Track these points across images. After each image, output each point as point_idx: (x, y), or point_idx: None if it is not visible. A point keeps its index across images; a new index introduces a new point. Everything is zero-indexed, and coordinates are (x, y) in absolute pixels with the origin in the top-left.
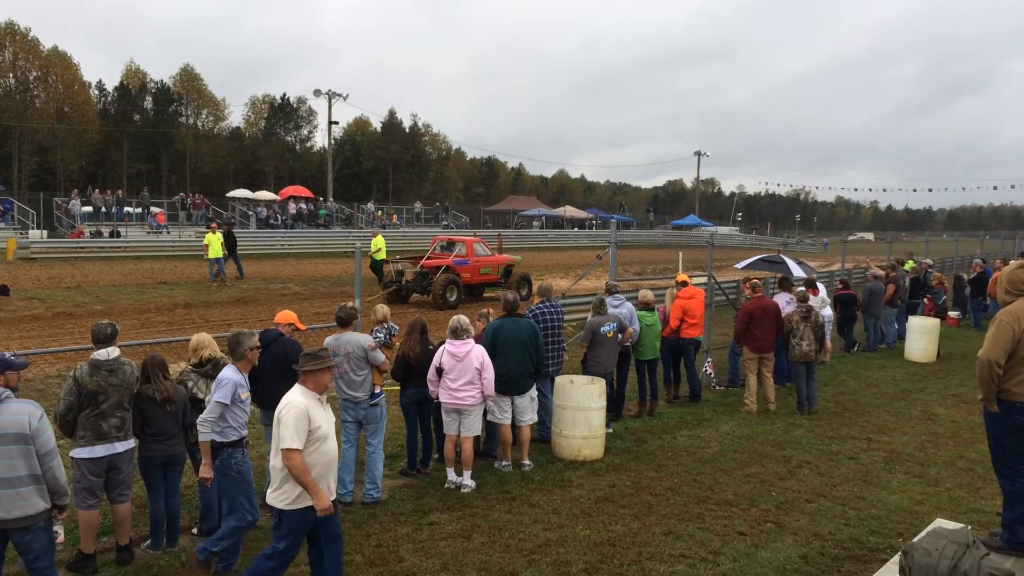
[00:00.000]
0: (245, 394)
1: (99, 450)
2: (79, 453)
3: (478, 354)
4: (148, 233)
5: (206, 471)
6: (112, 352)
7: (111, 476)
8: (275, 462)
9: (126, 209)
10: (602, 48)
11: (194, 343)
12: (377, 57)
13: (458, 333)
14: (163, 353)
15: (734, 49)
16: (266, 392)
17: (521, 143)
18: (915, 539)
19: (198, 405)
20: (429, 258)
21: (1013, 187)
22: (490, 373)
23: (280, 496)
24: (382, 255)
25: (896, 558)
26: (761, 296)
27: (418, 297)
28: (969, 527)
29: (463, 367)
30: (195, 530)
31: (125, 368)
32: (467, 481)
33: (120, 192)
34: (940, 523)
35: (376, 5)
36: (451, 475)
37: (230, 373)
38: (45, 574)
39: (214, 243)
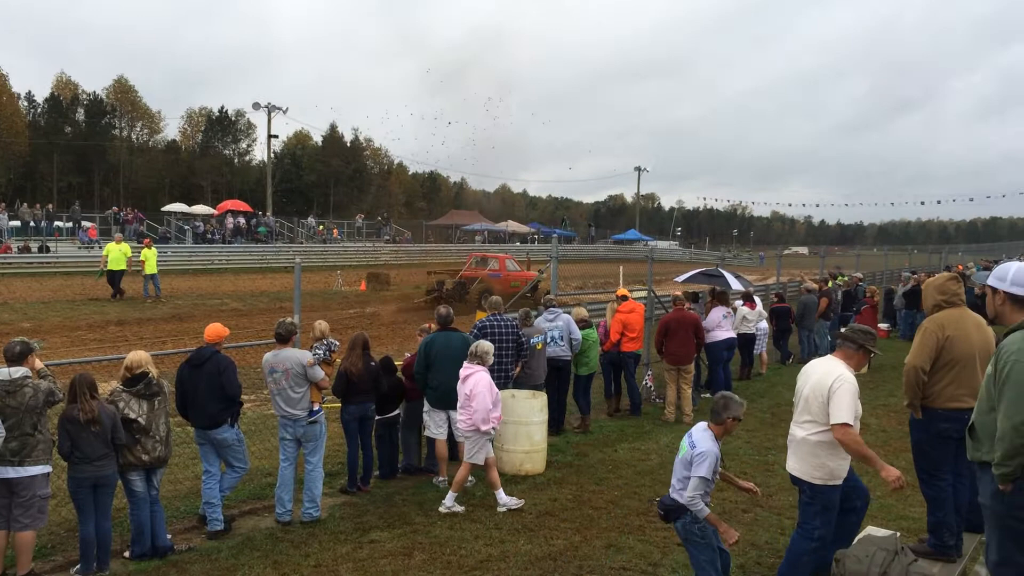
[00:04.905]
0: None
1: None
2: None
3: (472, 382)
4: (79, 248)
5: (730, 535)
6: (15, 372)
7: (3, 500)
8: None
9: (56, 224)
10: (547, 64)
11: (128, 361)
12: (319, 70)
13: (471, 357)
14: (94, 372)
15: (678, 67)
16: (200, 411)
17: (465, 157)
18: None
19: (130, 425)
20: (467, 271)
21: (939, 203)
22: (479, 403)
23: (817, 472)
24: (121, 265)
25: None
26: (680, 309)
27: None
28: (898, 533)
29: (461, 390)
30: (127, 553)
31: (26, 391)
32: (452, 503)
33: (50, 206)
34: (871, 530)
35: (319, 18)
36: (444, 493)
37: (712, 445)
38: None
39: (150, 259)
